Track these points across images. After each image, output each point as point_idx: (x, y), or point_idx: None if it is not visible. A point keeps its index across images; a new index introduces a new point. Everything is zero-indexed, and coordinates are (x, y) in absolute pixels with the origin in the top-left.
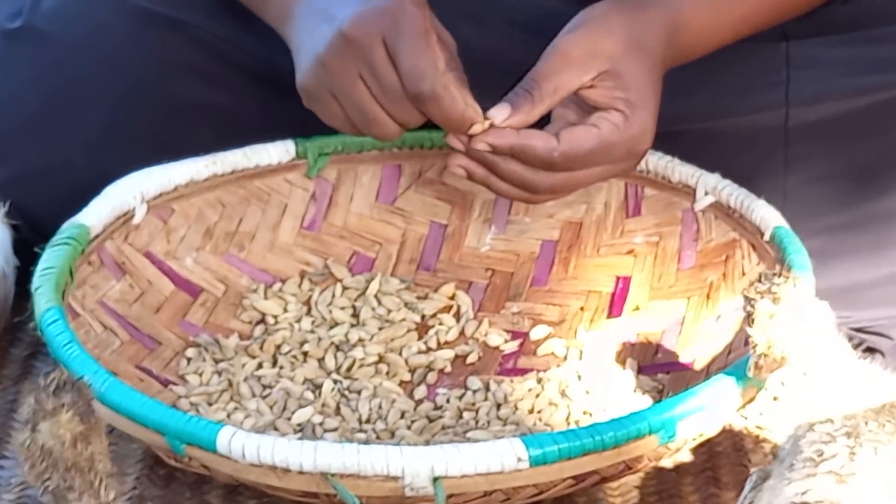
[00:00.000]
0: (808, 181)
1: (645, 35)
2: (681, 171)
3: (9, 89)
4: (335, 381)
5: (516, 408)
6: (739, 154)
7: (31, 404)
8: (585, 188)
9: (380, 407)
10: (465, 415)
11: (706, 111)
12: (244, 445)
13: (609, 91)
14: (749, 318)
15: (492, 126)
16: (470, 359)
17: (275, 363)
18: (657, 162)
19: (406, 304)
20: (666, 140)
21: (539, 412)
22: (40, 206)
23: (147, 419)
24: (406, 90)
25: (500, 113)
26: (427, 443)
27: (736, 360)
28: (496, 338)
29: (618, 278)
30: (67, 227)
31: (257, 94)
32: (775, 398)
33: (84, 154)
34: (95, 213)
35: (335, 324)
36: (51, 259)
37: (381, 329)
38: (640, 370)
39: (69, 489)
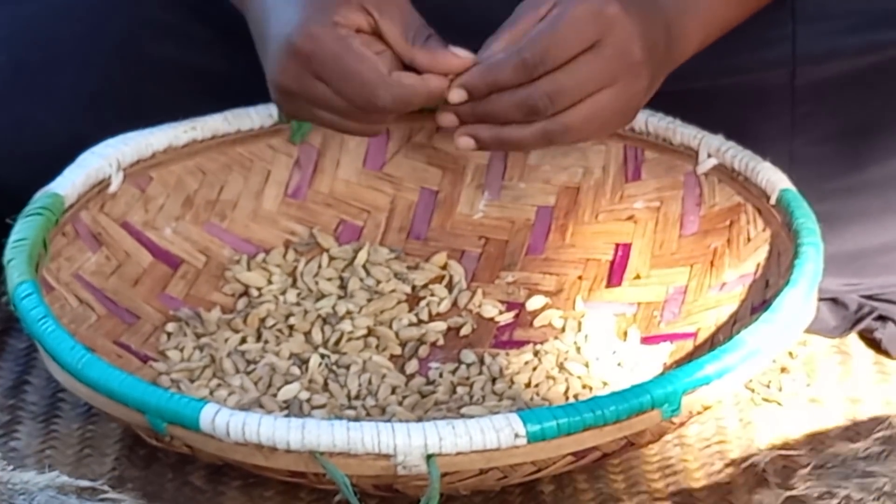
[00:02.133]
0: (815, 142)
1: None
2: (682, 132)
3: None
4: (322, 356)
5: (512, 382)
6: (744, 115)
7: None
8: (582, 148)
9: (369, 382)
10: (459, 390)
11: (709, 69)
12: (228, 423)
13: None
14: None
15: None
16: (463, 331)
17: (259, 337)
18: (657, 123)
19: (396, 275)
20: (668, 101)
21: (536, 386)
22: (11, 175)
23: (126, 397)
24: (367, 109)
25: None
26: (420, 419)
27: (741, 329)
28: (490, 309)
29: (617, 245)
30: (40, 196)
31: (239, 55)
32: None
33: (57, 119)
34: (69, 182)
35: (322, 296)
36: (23, 230)
37: (369, 301)
38: (641, 341)
39: None
